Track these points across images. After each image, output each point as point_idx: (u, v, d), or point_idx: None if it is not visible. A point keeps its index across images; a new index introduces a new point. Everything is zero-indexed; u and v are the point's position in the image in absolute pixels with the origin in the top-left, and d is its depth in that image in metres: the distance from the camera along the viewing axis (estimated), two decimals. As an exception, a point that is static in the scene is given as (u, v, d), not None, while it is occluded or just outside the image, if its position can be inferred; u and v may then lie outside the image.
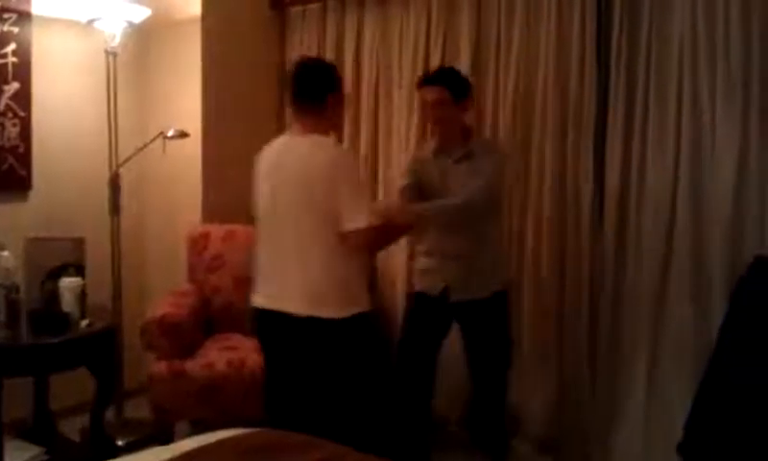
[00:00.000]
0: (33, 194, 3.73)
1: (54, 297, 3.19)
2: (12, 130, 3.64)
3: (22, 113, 3.66)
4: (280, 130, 4.38)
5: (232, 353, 3.39)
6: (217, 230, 3.93)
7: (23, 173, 3.67)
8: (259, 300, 2.75)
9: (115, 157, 3.76)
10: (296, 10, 4.36)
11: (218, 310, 3.78)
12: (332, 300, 2.62)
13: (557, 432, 3.49)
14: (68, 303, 3.16)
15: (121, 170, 3.73)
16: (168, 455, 2.00)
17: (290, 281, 2.65)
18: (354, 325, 2.66)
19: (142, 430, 3.58)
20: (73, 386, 3.46)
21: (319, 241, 2.61)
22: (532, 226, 3.56)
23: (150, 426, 3.48)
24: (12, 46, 3.61)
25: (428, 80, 3.14)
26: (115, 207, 3.70)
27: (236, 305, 3.69)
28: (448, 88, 3.04)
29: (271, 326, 2.72)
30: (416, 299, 3.25)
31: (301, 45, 4.33)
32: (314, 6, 4.27)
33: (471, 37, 3.70)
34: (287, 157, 2.69)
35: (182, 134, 3.72)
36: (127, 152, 3.77)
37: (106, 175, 3.74)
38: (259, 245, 2.76)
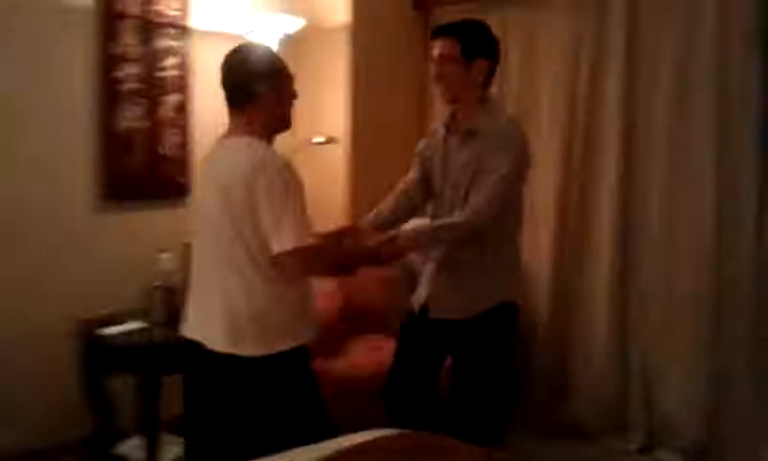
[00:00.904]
0: (190, 200, 3.89)
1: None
2: (172, 139, 3.84)
3: (182, 123, 3.87)
4: (422, 135, 4.39)
5: (378, 354, 3.40)
6: (363, 234, 3.96)
7: (182, 180, 3.87)
8: (183, 327, 2.44)
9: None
10: (439, 11, 4.35)
11: (362, 311, 3.82)
12: (252, 334, 2.23)
13: (711, 439, 3.28)
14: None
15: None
16: (317, 454, 2.01)
17: (210, 309, 2.29)
18: (281, 363, 2.26)
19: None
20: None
21: (240, 264, 2.22)
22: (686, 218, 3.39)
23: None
24: (173, 60, 3.82)
25: (438, 30, 2.64)
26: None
27: (380, 307, 3.71)
28: (460, 41, 2.55)
29: (190, 357, 2.38)
30: (407, 315, 2.87)
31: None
32: (456, 7, 4.24)
33: (622, 40, 3.56)
34: (211, 164, 2.34)
35: (330, 140, 3.79)
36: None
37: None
38: (192, 263, 2.42)
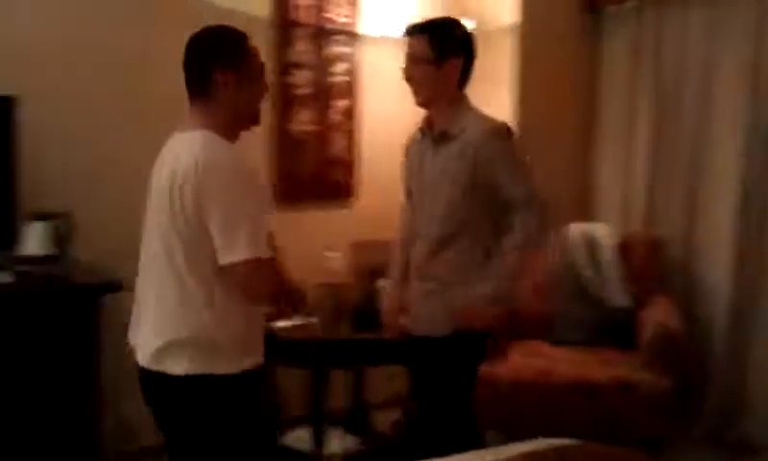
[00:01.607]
0: (356, 201, 4.04)
1: (375, 296, 3.40)
2: (340, 142, 3.97)
3: (349, 127, 3.99)
4: (591, 138, 4.26)
5: (540, 361, 3.34)
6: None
7: (348, 182, 3.99)
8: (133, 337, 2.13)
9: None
10: (609, 10, 4.20)
11: (522, 317, 3.75)
12: (185, 352, 1.94)
13: None
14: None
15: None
16: (491, 458, 2.01)
17: (146, 321, 2.04)
18: (218, 386, 1.96)
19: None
20: (387, 381, 3.66)
21: (180, 274, 1.93)
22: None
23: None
24: (343, 65, 3.95)
25: (409, 29, 2.46)
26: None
27: (539, 313, 3.65)
28: (430, 40, 2.36)
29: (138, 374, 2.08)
30: None
31: (615, 48, 4.17)
32: (629, 5, 4.08)
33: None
34: (160, 160, 2.03)
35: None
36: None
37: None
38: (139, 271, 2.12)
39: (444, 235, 2.41)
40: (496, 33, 4.11)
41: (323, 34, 3.87)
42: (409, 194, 2.60)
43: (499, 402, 3.28)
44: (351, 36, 3.96)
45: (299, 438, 3.32)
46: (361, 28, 3.98)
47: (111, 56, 3.21)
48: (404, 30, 2.45)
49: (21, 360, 2.71)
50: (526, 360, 3.38)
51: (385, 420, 3.79)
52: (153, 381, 1.99)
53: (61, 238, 2.87)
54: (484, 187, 2.36)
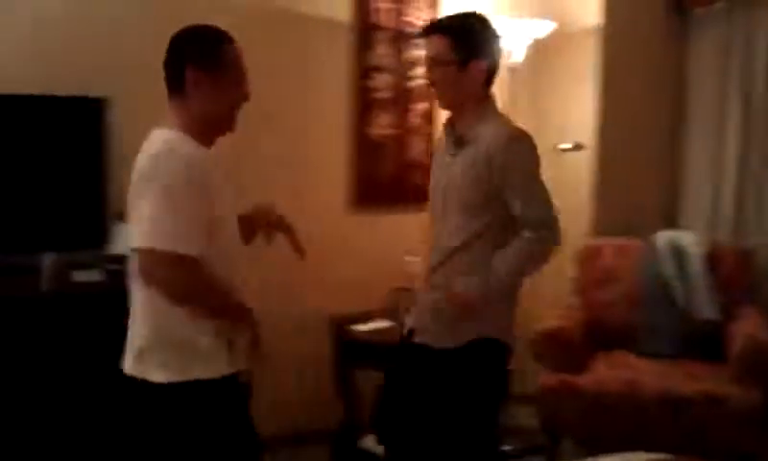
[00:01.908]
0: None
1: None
2: (419, 146, 3.95)
3: (427, 131, 3.96)
4: (677, 143, 4.14)
5: (625, 372, 3.25)
6: (608, 245, 3.82)
7: (427, 186, 3.94)
8: None
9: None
10: (697, 11, 4.07)
11: (607, 327, 3.67)
12: (155, 356, 1.86)
13: None
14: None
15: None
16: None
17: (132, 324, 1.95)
18: (192, 393, 1.86)
19: (527, 439, 3.61)
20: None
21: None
22: None
23: (534, 436, 3.50)
24: (422, 69, 3.90)
25: (428, 28, 2.29)
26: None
27: (627, 323, 3.56)
28: (453, 41, 2.19)
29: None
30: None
31: (703, 50, 4.03)
32: (718, 6, 3.94)
33: None
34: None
35: (577, 147, 3.69)
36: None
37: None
38: None
39: (456, 246, 2.26)
40: (579, 34, 4.03)
41: (402, 37, 3.86)
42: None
43: (582, 413, 3.21)
44: (431, 39, 3.94)
45: (377, 442, 3.31)
46: (441, 31, 3.96)
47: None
48: (422, 30, 2.29)
49: (108, 356, 2.77)
50: (611, 372, 3.29)
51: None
52: (129, 387, 1.90)
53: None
54: (498, 198, 2.21)
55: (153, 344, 1.86)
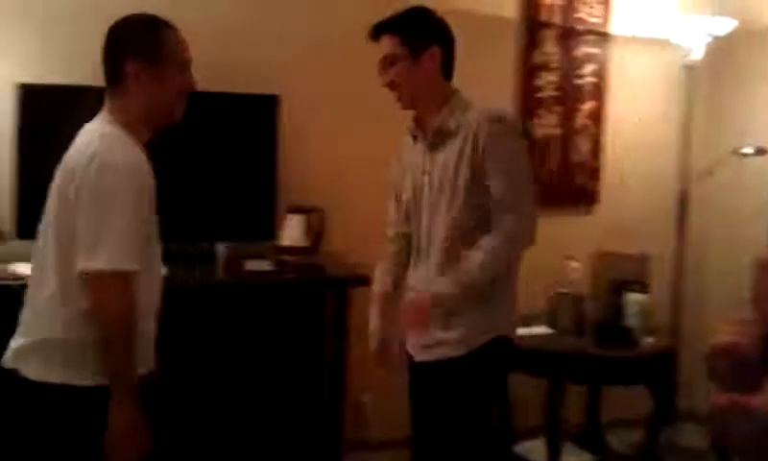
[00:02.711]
0: (599, 208, 3.87)
1: (618, 311, 3.23)
2: (585, 146, 3.82)
3: (595, 131, 3.83)
4: None
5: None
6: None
7: (592, 188, 3.84)
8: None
9: (686, 174, 3.69)
10: None
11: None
12: (59, 357, 1.74)
13: None
14: (632, 318, 3.17)
15: (690, 187, 3.64)
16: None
17: (23, 324, 1.84)
18: (88, 398, 1.73)
19: (695, 459, 3.42)
20: (624, 400, 3.46)
21: (48, 274, 1.76)
22: None
23: (703, 457, 3.32)
24: (591, 67, 3.80)
25: (377, 28, 2.18)
26: (681, 226, 3.62)
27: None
28: (402, 38, 2.13)
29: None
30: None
31: None
32: None
33: None
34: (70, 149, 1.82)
35: (760, 151, 3.44)
36: (698, 169, 3.67)
37: (673, 192, 3.69)
38: None
39: (450, 252, 2.14)
40: (762, 32, 3.75)
41: (571, 34, 3.74)
42: (399, 207, 2.33)
43: (755, 436, 2.97)
44: (601, 37, 3.80)
45: (533, 449, 3.25)
46: (612, 28, 3.81)
47: (363, 58, 3.32)
48: (370, 33, 2.19)
49: (276, 343, 2.88)
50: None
51: (620, 439, 3.61)
52: (34, 393, 1.78)
53: (316, 231, 3.01)
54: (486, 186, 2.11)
55: (50, 346, 1.76)
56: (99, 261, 1.66)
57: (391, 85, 2.17)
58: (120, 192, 1.69)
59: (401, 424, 2.45)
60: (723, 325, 3.37)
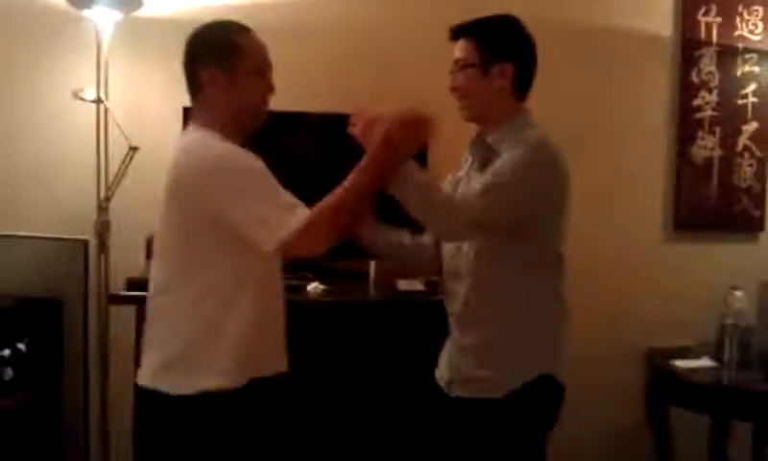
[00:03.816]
0: (765, 235, 3.63)
1: (789, 345, 3.01)
2: (748, 170, 3.61)
3: (759, 153, 3.60)
4: None
5: None
6: None
7: (756, 214, 3.61)
8: None
9: None
10: None
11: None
12: (177, 368, 1.76)
13: None
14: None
15: None
16: None
17: (146, 336, 1.87)
18: (207, 406, 1.74)
19: None
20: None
21: (176, 281, 1.78)
22: None
23: None
24: (753, 86, 3.59)
25: (457, 29, 2.02)
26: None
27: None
28: (477, 45, 1.96)
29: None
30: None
31: None
32: None
33: None
34: (171, 165, 1.82)
35: None
36: None
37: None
38: None
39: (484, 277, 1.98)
40: None
41: (731, 52, 3.56)
42: None
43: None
44: (764, 55, 3.59)
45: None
46: (775, 46, 3.60)
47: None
48: (451, 32, 2.04)
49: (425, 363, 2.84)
50: None
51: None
52: (147, 400, 1.84)
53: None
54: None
55: (175, 354, 1.79)
56: (278, 234, 1.68)
57: (455, 91, 2.03)
58: (247, 168, 1.72)
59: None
60: None
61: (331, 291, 2.78)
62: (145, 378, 1.83)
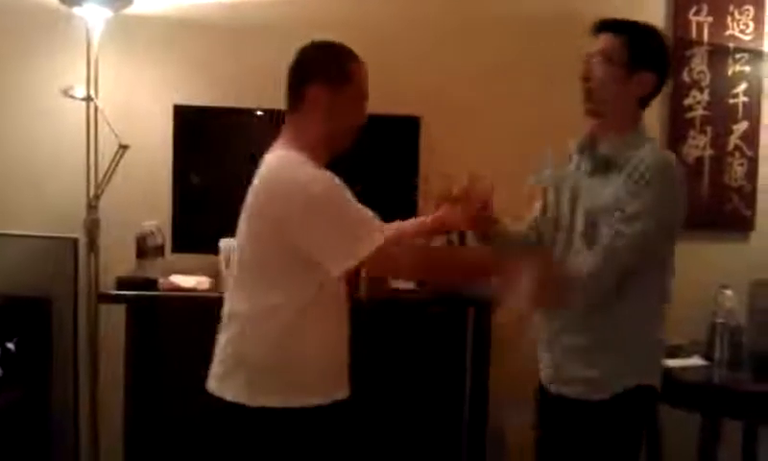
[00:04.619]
0: (755, 235, 3.65)
1: (778, 344, 3.02)
2: (738, 169, 3.62)
3: (749, 153, 3.62)
4: None
5: None
6: None
7: (746, 213, 3.63)
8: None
9: None
10: None
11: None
12: (265, 380, 1.79)
13: None
14: (797, 352, 2.95)
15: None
16: None
17: (229, 348, 1.87)
18: (294, 421, 1.78)
19: None
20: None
21: (256, 294, 1.81)
22: None
23: None
24: (743, 86, 3.61)
25: (604, 24, 2.01)
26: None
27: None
28: (628, 43, 1.95)
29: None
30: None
31: None
32: None
33: None
34: (256, 179, 1.85)
35: None
36: None
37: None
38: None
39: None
40: None
41: (722, 52, 3.58)
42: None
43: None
44: (754, 55, 3.61)
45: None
46: (766, 46, 3.61)
47: (504, 79, 3.31)
48: (598, 25, 2.04)
49: (416, 363, 2.85)
50: None
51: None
52: (213, 406, 1.87)
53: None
54: None
55: (261, 369, 1.82)
56: (347, 263, 1.74)
57: (587, 78, 2.00)
58: (331, 195, 1.76)
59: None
60: None
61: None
62: (228, 392, 1.83)
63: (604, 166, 1.98)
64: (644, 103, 2.04)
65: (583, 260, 1.94)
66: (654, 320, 2.07)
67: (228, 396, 1.81)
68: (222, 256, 2.78)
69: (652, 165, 1.90)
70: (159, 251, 2.87)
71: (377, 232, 1.76)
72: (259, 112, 2.98)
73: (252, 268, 1.84)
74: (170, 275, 2.76)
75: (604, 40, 1.99)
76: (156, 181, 3.04)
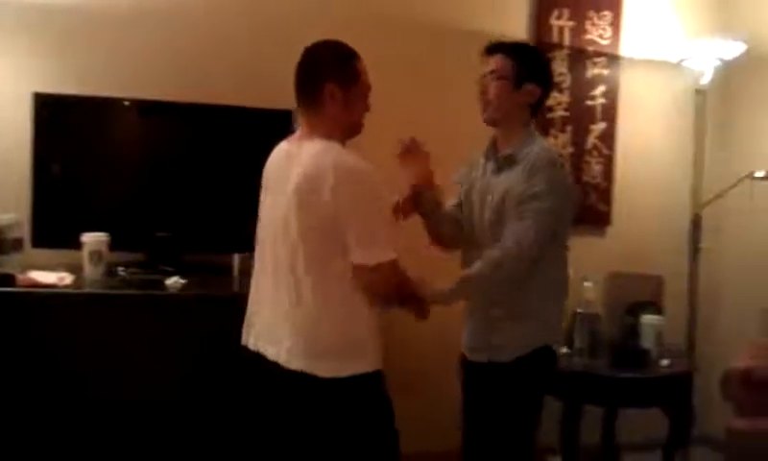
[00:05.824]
0: (611, 229, 3.87)
1: (633, 332, 3.21)
2: (596, 167, 3.83)
3: (606, 152, 3.83)
4: None
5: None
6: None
7: (604, 209, 3.83)
8: (247, 337, 2.15)
9: (697, 197, 3.70)
10: None
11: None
12: (331, 352, 1.97)
13: None
14: (648, 340, 3.16)
15: (702, 210, 3.64)
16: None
17: (281, 320, 2.03)
18: (356, 387, 1.98)
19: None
20: (641, 423, 3.44)
21: (315, 271, 1.97)
22: None
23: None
24: (601, 88, 3.81)
25: (494, 47, 2.36)
26: (695, 249, 3.62)
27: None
28: (515, 61, 2.31)
29: (254, 371, 2.11)
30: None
31: None
32: None
33: None
34: (288, 165, 2.03)
35: (773, 175, 3.44)
36: (709, 192, 3.66)
37: (685, 214, 3.70)
38: (256, 271, 2.18)
39: None
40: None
41: (581, 55, 3.76)
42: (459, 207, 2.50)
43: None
44: (612, 59, 3.82)
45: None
46: (622, 50, 3.83)
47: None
48: (487, 48, 2.37)
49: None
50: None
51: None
52: (291, 382, 1.99)
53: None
54: None
55: (328, 337, 1.97)
56: (377, 256, 1.94)
57: (484, 93, 2.32)
58: (373, 196, 1.96)
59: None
60: (740, 347, 3.37)
61: (192, 285, 2.73)
62: (294, 362, 1.97)
63: (506, 164, 2.31)
64: (534, 109, 2.38)
65: (488, 254, 2.21)
66: (557, 293, 2.39)
67: (297, 367, 1.95)
68: (85, 252, 2.69)
69: (542, 156, 2.25)
70: (18, 245, 2.72)
71: (391, 249, 1.97)
72: (126, 102, 2.86)
73: (312, 251, 1.95)
74: (29, 270, 2.62)
75: (495, 61, 2.32)
76: (15, 172, 2.88)
